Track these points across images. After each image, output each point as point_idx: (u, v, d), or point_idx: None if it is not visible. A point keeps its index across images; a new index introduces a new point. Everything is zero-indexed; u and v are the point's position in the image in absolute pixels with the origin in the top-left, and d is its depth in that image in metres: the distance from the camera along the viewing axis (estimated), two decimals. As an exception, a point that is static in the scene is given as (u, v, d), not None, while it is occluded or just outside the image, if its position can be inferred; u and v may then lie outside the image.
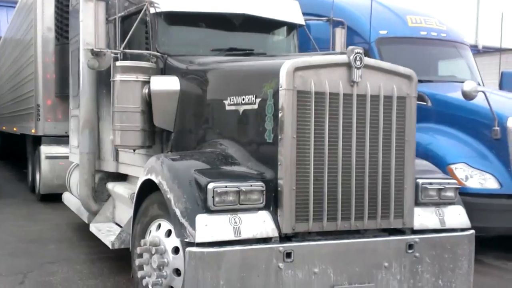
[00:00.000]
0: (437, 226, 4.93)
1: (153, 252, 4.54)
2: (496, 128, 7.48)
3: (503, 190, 7.48)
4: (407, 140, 4.69)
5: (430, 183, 4.93)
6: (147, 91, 5.64)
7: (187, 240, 4.05)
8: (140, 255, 4.70)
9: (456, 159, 7.60)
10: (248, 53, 6.16)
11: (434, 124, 8.12)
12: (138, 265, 4.75)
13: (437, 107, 8.22)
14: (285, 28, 6.84)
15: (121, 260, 6.66)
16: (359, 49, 4.43)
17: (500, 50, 10.70)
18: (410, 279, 4.68)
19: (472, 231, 5.04)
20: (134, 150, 6.05)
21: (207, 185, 4.11)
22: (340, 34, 7.25)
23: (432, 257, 4.76)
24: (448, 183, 5.05)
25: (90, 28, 5.72)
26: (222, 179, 4.18)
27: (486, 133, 7.70)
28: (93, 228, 6.84)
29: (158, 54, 5.90)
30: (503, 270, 7.37)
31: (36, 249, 7.65)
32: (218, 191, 4.08)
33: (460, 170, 7.45)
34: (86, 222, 7.37)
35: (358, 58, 4.42)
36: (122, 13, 6.27)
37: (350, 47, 4.45)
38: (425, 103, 8.16)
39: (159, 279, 4.48)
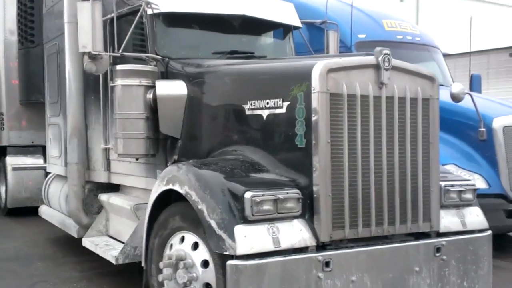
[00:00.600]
0: (460, 228, 4.91)
1: (180, 267, 4.31)
2: (482, 129, 7.55)
3: (491, 189, 7.59)
4: (431, 142, 4.64)
5: (452, 185, 4.90)
6: (151, 96, 5.39)
7: (226, 252, 3.85)
8: (160, 270, 4.49)
9: (445, 160, 7.63)
10: (249, 56, 5.99)
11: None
12: (160, 281, 4.52)
13: None
14: (282, 30, 6.71)
15: (117, 275, 6.41)
16: (387, 50, 4.35)
17: (469, 53, 10.89)
18: (438, 282, 4.62)
19: (490, 232, 5.06)
20: (136, 159, 5.77)
21: (244, 194, 3.92)
22: (333, 37, 7.17)
23: (457, 260, 4.73)
24: (467, 185, 5.04)
25: (86, 29, 5.38)
26: (258, 188, 4.00)
27: (472, 134, 7.79)
28: (87, 242, 6.50)
29: (159, 57, 5.66)
30: (496, 268, 7.42)
31: (21, 268, 7.21)
32: (257, 200, 3.89)
33: None
34: (76, 236, 7.00)
35: (386, 59, 4.33)
36: (112, 14, 5.90)
37: (378, 48, 4.36)
38: None
39: (187, 295, 4.28)
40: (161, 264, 4.51)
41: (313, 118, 4.10)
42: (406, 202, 4.50)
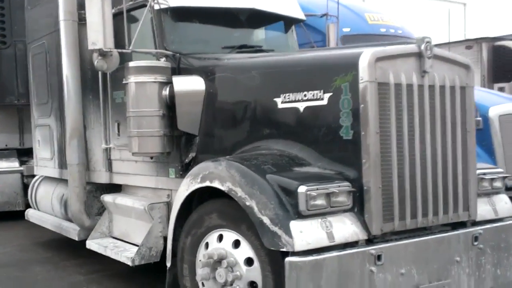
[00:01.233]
0: (492, 216, 4.89)
1: (224, 266, 4.14)
2: (479, 118, 7.62)
3: None
4: (468, 131, 4.59)
5: (484, 174, 4.88)
6: (167, 92, 5.18)
7: (283, 249, 3.70)
8: (193, 270, 4.37)
9: None
10: (258, 49, 5.84)
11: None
12: (195, 282, 4.37)
13: None
14: (288, 23, 6.58)
15: (126, 276, 6.26)
16: (428, 38, 4.27)
17: (448, 44, 11.04)
18: (476, 271, 4.59)
19: None
20: (151, 157, 5.53)
21: (297, 188, 3.77)
22: (333, 30, 7.09)
23: (491, 248, 4.70)
24: (498, 173, 5.03)
25: (96, 26, 5.12)
26: (310, 182, 3.85)
27: None
28: (93, 245, 6.21)
29: (170, 53, 5.43)
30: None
31: (22, 273, 6.85)
32: (313, 194, 3.76)
33: None
34: (76, 239, 6.71)
35: (428, 47, 4.25)
36: (114, 9, 5.64)
37: (420, 36, 4.28)
38: None
39: (232, 294, 4.13)
40: (199, 264, 4.35)
41: (361, 109, 3.98)
42: (448, 192, 4.44)
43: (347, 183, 3.97)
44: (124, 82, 5.28)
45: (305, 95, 4.38)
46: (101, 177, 6.45)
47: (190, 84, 5.19)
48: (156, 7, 5.49)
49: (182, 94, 5.14)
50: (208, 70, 5.22)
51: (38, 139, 7.67)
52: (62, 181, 7.33)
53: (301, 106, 4.41)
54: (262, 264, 4.03)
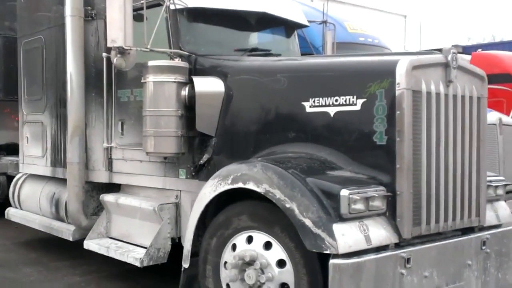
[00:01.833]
0: (496, 222, 5.15)
1: (257, 267, 4.20)
2: None
3: None
4: (482, 140, 4.82)
5: (490, 181, 5.12)
6: (186, 93, 5.20)
7: (327, 251, 3.80)
8: (217, 271, 4.43)
9: None
10: (267, 53, 5.92)
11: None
12: (228, 283, 4.40)
13: None
14: (291, 28, 6.69)
15: (123, 277, 6.22)
16: (454, 49, 4.48)
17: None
18: (482, 275, 4.82)
19: None
20: (165, 158, 5.52)
21: (339, 192, 3.89)
22: (330, 37, 7.26)
23: (496, 252, 4.95)
24: (501, 181, 5.29)
25: (117, 23, 5.08)
26: (350, 185, 3.98)
27: None
28: (92, 245, 6.13)
29: (185, 53, 5.45)
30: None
31: (13, 274, 6.66)
32: (356, 198, 3.88)
33: None
34: (70, 239, 6.60)
35: (455, 58, 4.45)
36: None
37: (446, 47, 4.48)
38: None
39: (264, 295, 4.20)
40: (228, 265, 4.39)
41: (397, 116, 4.13)
42: (464, 198, 4.66)
43: (382, 188, 4.11)
44: (142, 81, 5.26)
45: (336, 100, 4.49)
46: (101, 177, 6.38)
47: (210, 85, 5.22)
48: (172, 7, 5.49)
49: (203, 95, 5.17)
50: (228, 71, 5.27)
51: (27, 136, 7.50)
52: (52, 179, 7.21)
53: (332, 110, 4.52)
54: (296, 266, 4.10)
